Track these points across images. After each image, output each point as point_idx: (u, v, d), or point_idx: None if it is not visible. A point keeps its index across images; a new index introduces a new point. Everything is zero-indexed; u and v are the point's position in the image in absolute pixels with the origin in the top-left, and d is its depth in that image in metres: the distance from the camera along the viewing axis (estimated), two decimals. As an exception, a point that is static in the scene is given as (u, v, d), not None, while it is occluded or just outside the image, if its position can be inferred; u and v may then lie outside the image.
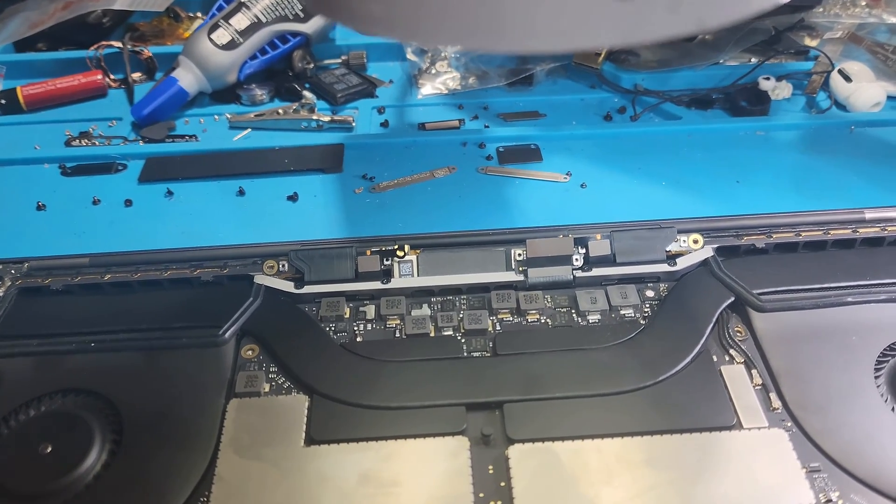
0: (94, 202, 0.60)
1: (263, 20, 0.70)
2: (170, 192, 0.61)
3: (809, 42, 0.75)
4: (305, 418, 0.44)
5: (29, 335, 0.48)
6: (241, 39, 0.69)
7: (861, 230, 0.54)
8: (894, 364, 0.46)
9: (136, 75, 0.75)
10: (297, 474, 0.41)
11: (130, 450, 0.42)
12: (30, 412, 0.44)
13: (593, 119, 0.70)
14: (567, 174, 0.62)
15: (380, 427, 0.43)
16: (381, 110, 0.71)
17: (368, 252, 0.52)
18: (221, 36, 0.69)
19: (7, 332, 0.49)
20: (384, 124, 0.69)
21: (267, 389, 0.46)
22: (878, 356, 0.46)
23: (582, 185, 0.61)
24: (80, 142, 0.67)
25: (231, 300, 0.50)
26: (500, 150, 0.65)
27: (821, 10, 0.74)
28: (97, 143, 0.67)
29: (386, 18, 0.29)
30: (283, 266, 0.52)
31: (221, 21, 0.69)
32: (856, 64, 0.70)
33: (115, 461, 0.42)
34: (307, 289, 0.51)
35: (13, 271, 0.53)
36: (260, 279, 0.51)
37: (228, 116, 0.69)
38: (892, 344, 0.47)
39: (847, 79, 0.69)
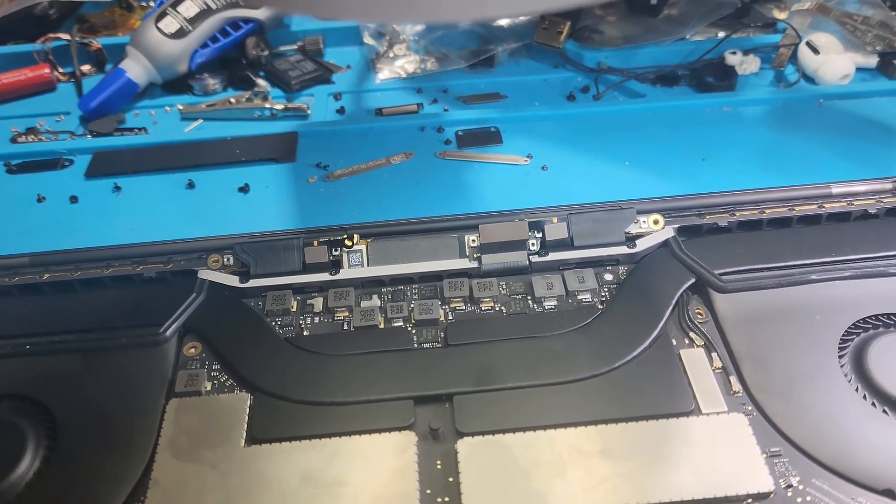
0: (39, 199, 0.58)
1: (213, 7, 0.68)
2: (117, 188, 0.59)
3: (778, 14, 0.73)
4: (247, 417, 0.42)
5: (-38, 339, 0.47)
6: (190, 27, 0.67)
7: (827, 205, 0.52)
8: (859, 343, 0.44)
9: (86, 68, 0.72)
10: (237, 476, 0.39)
11: (64, 456, 0.41)
12: (-40, 420, 0.42)
13: (556, 99, 0.68)
14: (528, 157, 0.60)
15: (324, 424, 0.41)
16: (337, 96, 0.69)
17: (316, 243, 0.50)
18: (169, 24, 0.66)
19: (-60, 336, 0.47)
20: (340, 111, 0.67)
21: (209, 388, 0.44)
22: (843, 335, 0.45)
23: (543, 168, 0.59)
24: (26, 138, 0.65)
25: (174, 297, 0.48)
26: (460, 133, 0.63)
27: (788, -20, 0.73)
28: (44, 138, 0.65)
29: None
30: (229, 260, 0.50)
31: (169, 9, 0.67)
32: (824, 35, 0.68)
33: (48, 468, 0.40)
34: (252, 282, 0.49)
35: (-50, 273, 0.51)
36: (204, 274, 0.49)
37: (180, 107, 0.67)
38: (857, 322, 0.45)
39: (815, 51, 0.67)
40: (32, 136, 0.65)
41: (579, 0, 0.24)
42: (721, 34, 0.72)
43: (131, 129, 0.65)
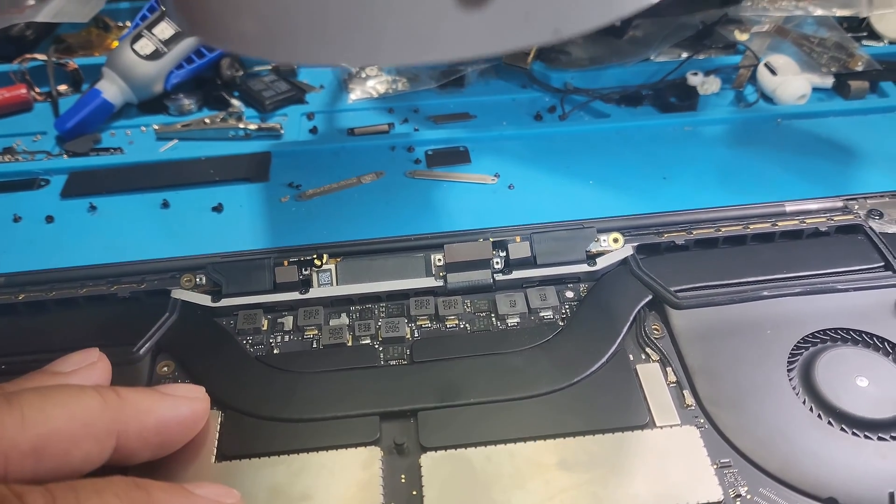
0: (15, 220, 0.59)
1: (188, 29, 0.69)
2: (93, 207, 0.60)
3: (739, 36, 0.76)
4: (217, 434, 0.43)
5: (-64, 360, 0.48)
6: (165, 49, 0.68)
7: (780, 223, 0.54)
8: (807, 357, 0.46)
9: (62, 88, 0.73)
10: (207, 492, 0.40)
11: (38, 474, 0.42)
12: (-65, 439, 0.43)
13: (524, 119, 0.70)
14: (495, 176, 0.62)
15: (292, 440, 0.42)
16: (310, 116, 0.70)
17: (286, 262, 0.51)
18: (145, 46, 0.68)
19: (-86, 357, 0.48)
20: (313, 130, 0.68)
21: (180, 406, 0.45)
22: (792, 349, 0.46)
23: (510, 187, 0.61)
24: (3, 158, 0.66)
25: (147, 316, 0.49)
26: (429, 153, 0.65)
27: (749, 3, 0.75)
28: (21, 158, 0.66)
29: (258, 39, 0.29)
30: (201, 279, 0.52)
31: (145, 31, 0.68)
32: (781, 57, 0.71)
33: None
34: (224, 302, 0.50)
35: (-76, 294, 0.52)
36: (177, 293, 0.51)
37: (155, 127, 0.68)
38: (806, 336, 0.47)
39: (773, 72, 0.70)
40: (9, 157, 0.66)
41: (538, 39, 0.26)
42: (683, 55, 0.74)
43: (107, 149, 0.66)
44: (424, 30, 0.25)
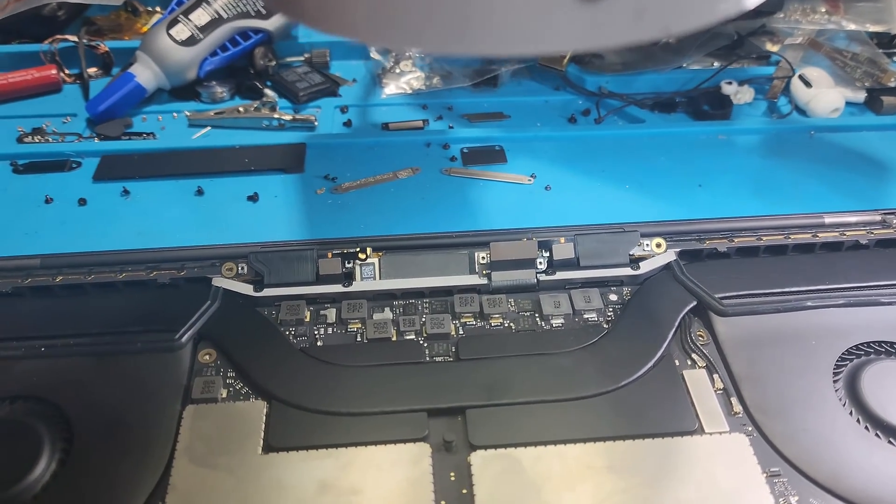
0: (47, 201, 0.59)
1: (224, 16, 0.68)
2: (126, 192, 0.60)
3: (771, 47, 0.76)
4: (263, 425, 0.43)
5: (-25, 339, 0.47)
6: (200, 35, 0.67)
7: (820, 235, 0.54)
8: (852, 368, 0.46)
9: (92, 70, 0.73)
10: (253, 483, 0.40)
11: (80, 459, 0.41)
12: (-25, 420, 0.43)
13: (558, 121, 0.69)
14: (531, 176, 0.62)
15: (340, 434, 0.42)
16: (343, 109, 0.70)
17: (329, 254, 0.51)
18: (181, 31, 0.67)
19: (-48, 336, 0.47)
20: (347, 124, 0.68)
21: (224, 395, 0.45)
22: (837, 360, 0.47)
23: (546, 188, 0.61)
24: (32, 138, 0.65)
25: (188, 303, 0.49)
26: (465, 151, 0.65)
27: (782, 15, 0.75)
28: (51, 139, 0.65)
29: (352, 20, 0.28)
30: (243, 268, 0.51)
31: (181, 16, 0.67)
32: (815, 70, 0.71)
33: (65, 471, 0.41)
34: (266, 292, 0.50)
35: (-40, 272, 0.51)
36: (218, 282, 0.50)
37: (188, 114, 0.68)
38: (851, 348, 0.47)
39: (807, 84, 0.70)
40: (39, 137, 0.65)
41: (648, 35, 0.26)
42: (717, 64, 0.74)
43: (139, 134, 0.66)
44: (541, 21, 0.24)
